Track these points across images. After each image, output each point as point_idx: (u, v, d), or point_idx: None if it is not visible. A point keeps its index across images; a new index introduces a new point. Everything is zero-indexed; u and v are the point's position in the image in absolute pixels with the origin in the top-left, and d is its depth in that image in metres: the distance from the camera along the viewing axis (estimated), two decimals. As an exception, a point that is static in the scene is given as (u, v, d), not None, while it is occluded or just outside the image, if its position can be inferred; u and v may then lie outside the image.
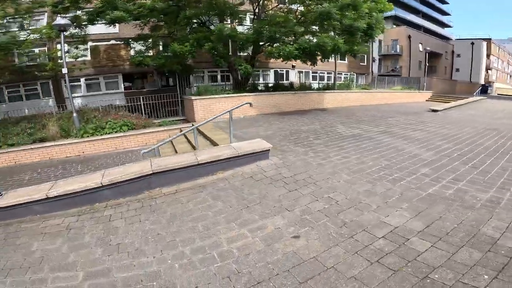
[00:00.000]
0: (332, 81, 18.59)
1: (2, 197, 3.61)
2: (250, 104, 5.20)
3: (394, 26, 31.86)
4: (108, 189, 3.84)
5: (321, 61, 11.15)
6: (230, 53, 10.57)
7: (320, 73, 21.42)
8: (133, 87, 14.78)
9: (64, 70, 7.73)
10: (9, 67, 9.99)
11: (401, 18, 34.12)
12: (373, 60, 26.63)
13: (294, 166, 4.46)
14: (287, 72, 18.92)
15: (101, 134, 8.69)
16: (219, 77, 15.78)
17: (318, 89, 14.22)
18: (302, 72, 19.57)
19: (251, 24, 10.78)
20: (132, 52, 12.36)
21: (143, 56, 9.97)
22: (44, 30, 8.11)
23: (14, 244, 2.91)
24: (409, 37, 28.11)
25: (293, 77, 17.86)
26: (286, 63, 11.85)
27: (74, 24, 9.19)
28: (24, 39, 8.71)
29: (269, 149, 4.85)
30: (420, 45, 28.95)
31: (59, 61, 11.79)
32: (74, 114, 8.49)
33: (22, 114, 10.73)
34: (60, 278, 2.29)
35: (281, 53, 9.06)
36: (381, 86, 20.76)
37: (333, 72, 18.85)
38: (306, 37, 10.29)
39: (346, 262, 2.10)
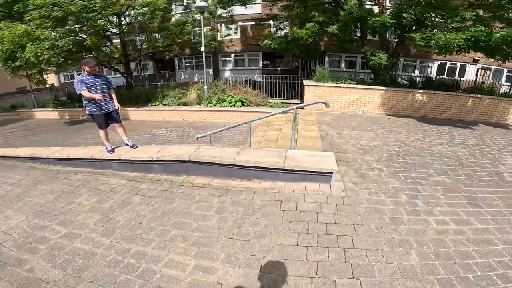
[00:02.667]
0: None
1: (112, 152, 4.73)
2: (326, 103, 3.93)
3: None
4: (157, 164, 4.22)
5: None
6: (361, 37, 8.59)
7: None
8: (270, 66, 15.56)
9: (202, 49, 9.06)
10: (185, 43, 12.81)
11: None
12: None
13: (350, 209, 3.07)
14: (463, 67, 13.29)
15: (220, 106, 9.85)
16: (358, 63, 13.53)
17: (505, 94, 9.16)
18: (489, 69, 13.13)
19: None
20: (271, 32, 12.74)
21: (270, 38, 9.93)
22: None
23: (76, 192, 3.87)
24: None
25: (471, 75, 12.30)
26: (458, 54, 8.29)
27: (220, 5, 10.38)
28: (186, 20, 10.87)
29: (331, 173, 3.59)
30: None
31: (218, 38, 14.09)
32: (205, 86, 10.01)
33: (192, 81, 13.90)
34: (64, 221, 3.06)
35: (432, 42, 6.25)
36: None
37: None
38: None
39: None
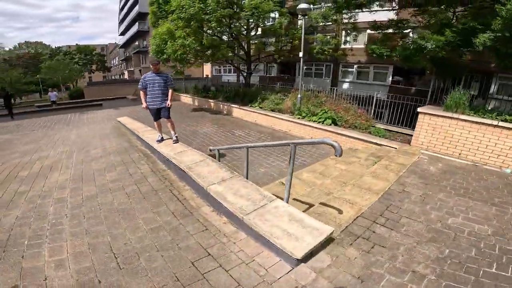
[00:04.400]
0: None
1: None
2: (335, 147, 2.49)
3: None
4: (172, 163, 4.40)
5: None
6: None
7: None
8: (401, 83, 12.54)
9: (301, 54, 8.51)
10: (308, 48, 12.45)
11: None
12: None
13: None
14: None
15: (308, 120, 9.02)
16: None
17: None
18: None
19: None
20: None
21: (378, 44, 7.79)
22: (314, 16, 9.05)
23: (116, 167, 4.86)
24: None
25: None
26: None
27: (334, 10, 9.14)
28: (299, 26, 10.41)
29: (294, 258, 2.34)
30: None
31: (342, 46, 12.88)
32: (299, 96, 9.43)
33: (308, 88, 13.61)
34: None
35: None
36: None
37: None
38: None
39: None
